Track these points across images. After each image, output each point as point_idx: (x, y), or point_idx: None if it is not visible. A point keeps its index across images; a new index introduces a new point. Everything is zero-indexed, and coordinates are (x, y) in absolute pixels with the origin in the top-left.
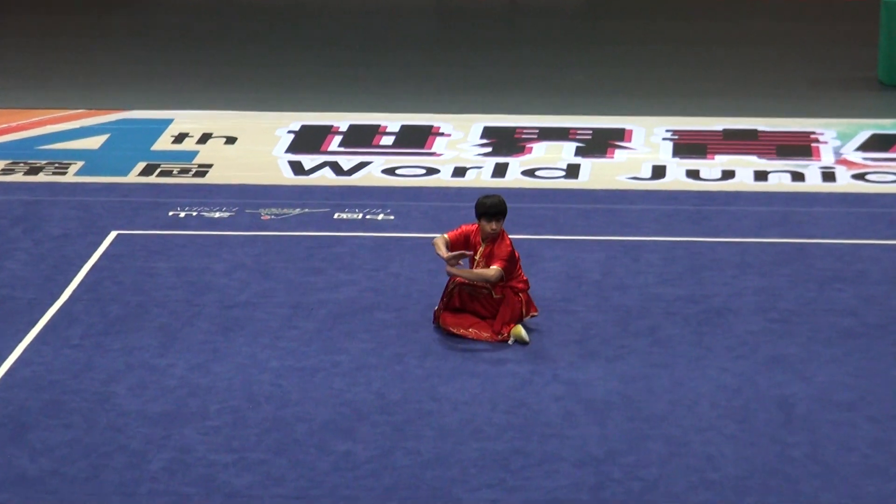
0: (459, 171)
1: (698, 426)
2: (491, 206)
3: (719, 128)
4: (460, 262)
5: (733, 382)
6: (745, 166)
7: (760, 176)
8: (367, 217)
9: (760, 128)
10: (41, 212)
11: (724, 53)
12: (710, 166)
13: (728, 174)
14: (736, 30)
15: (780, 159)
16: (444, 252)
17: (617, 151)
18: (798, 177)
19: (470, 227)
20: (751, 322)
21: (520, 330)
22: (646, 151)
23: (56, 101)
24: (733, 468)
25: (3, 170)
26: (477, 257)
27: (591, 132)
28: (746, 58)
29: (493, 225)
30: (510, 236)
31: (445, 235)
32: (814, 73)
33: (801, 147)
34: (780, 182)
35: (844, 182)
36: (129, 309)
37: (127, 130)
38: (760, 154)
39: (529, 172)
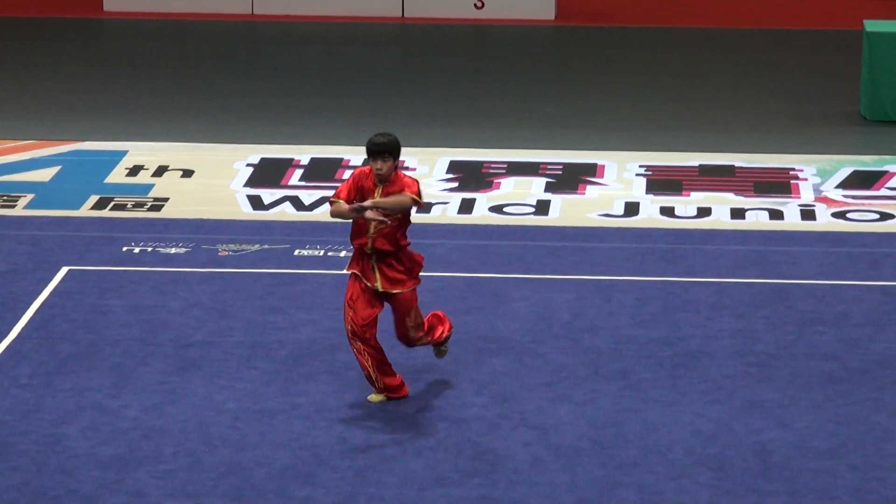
0: (425, 207)
1: (672, 474)
2: (376, 145)
3: (695, 163)
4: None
5: (709, 428)
6: (721, 203)
7: (737, 214)
8: (329, 254)
9: (738, 164)
10: None
11: (699, 86)
12: (686, 203)
13: (704, 212)
14: (713, 61)
15: (757, 196)
16: (345, 208)
17: (588, 187)
18: (776, 215)
19: (361, 170)
20: (727, 366)
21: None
22: (618, 188)
23: (5, 131)
24: None
25: None
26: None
27: (561, 167)
28: (723, 91)
29: (379, 164)
30: (482, 273)
31: (339, 200)
32: (793, 108)
33: (779, 184)
34: (757, 220)
35: (824, 220)
36: (81, 348)
37: (79, 162)
38: (737, 191)
39: (497, 209)
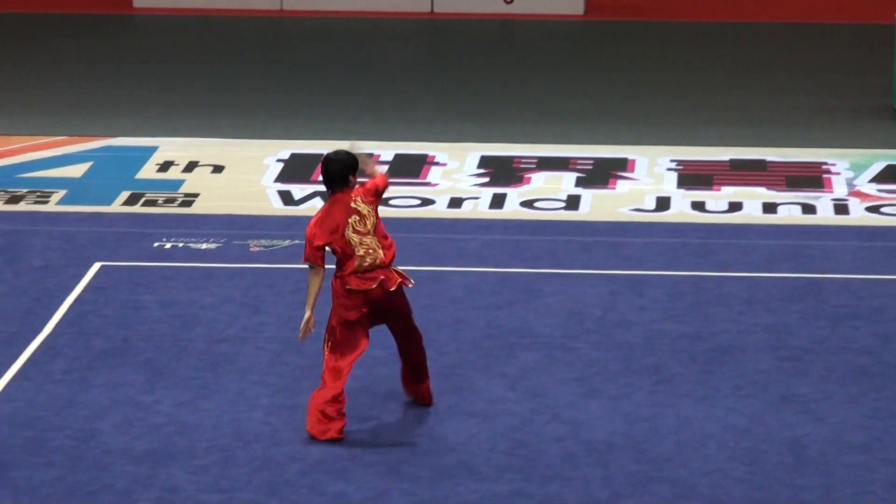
0: (455, 202)
1: (706, 468)
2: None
3: (726, 158)
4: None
5: (742, 423)
6: (753, 198)
7: (769, 208)
8: None
9: (769, 158)
10: (22, 242)
11: (731, 80)
12: (717, 198)
13: (735, 206)
14: (744, 55)
15: (790, 191)
16: None
17: (619, 182)
18: (809, 209)
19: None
20: (760, 360)
21: None
22: (649, 182)
23: (37, 127)
24: None
25: None
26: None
27: (592, 162)
28: (755, 85)
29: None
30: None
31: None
32: (825, 101)
33: (812, 178)
34: (790, 214)
35: (858, 215)
36: (114, 343)
37: (110, 158)
38: (769, 185)
39: (528, 203)
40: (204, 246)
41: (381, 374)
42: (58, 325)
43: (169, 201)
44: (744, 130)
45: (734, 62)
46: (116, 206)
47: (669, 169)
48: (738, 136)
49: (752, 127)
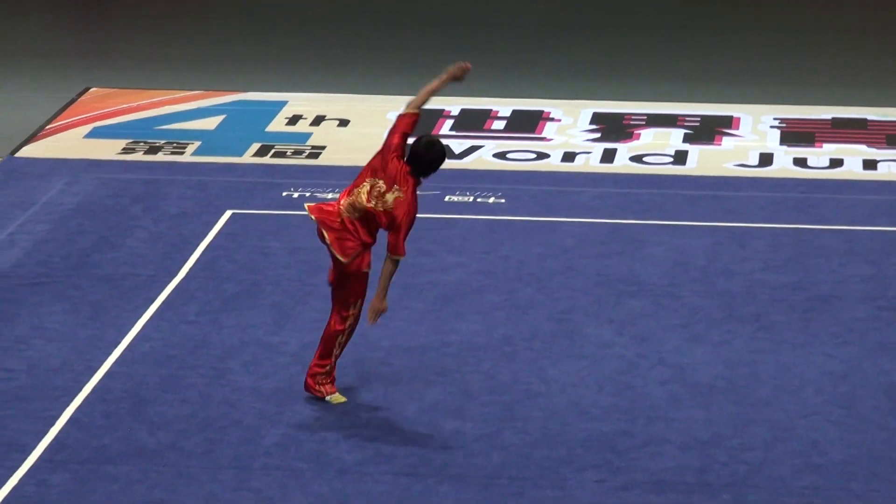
0: (569, 157)
1: (803, 411)
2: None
3: (828, 116)
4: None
5: (839, 369)
6: (853, 155)
7: (869, 165)
8: (478, 200)
9: (870, 117)
10: (160, 190)
11: (833, 40)
12: (818, 155)
13: (836, 163)
14: (846, 16)
15: (890, 149)
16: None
17: (724, 139)
18: None
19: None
20: (858, 309)
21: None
22: (753, 139)
23: (174, 82)
24: (839, 453)
25: (123, 149)
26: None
27: (698, 119)
28: (856, 45)
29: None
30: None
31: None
32: None
33: None
34: (889, 171)
35: None
36: (244, 287)
37: (242, 112)
38: (870, 143)
39: (637, 158)
40: (330, 196)
41: (497, 318)
42: (191, 269)
43: (297, 153)
44: (846, 90)
45: (838, 22)
46: (247, 158)
47: (773, 126)
48: (840, 95)
49: (854, 86)
